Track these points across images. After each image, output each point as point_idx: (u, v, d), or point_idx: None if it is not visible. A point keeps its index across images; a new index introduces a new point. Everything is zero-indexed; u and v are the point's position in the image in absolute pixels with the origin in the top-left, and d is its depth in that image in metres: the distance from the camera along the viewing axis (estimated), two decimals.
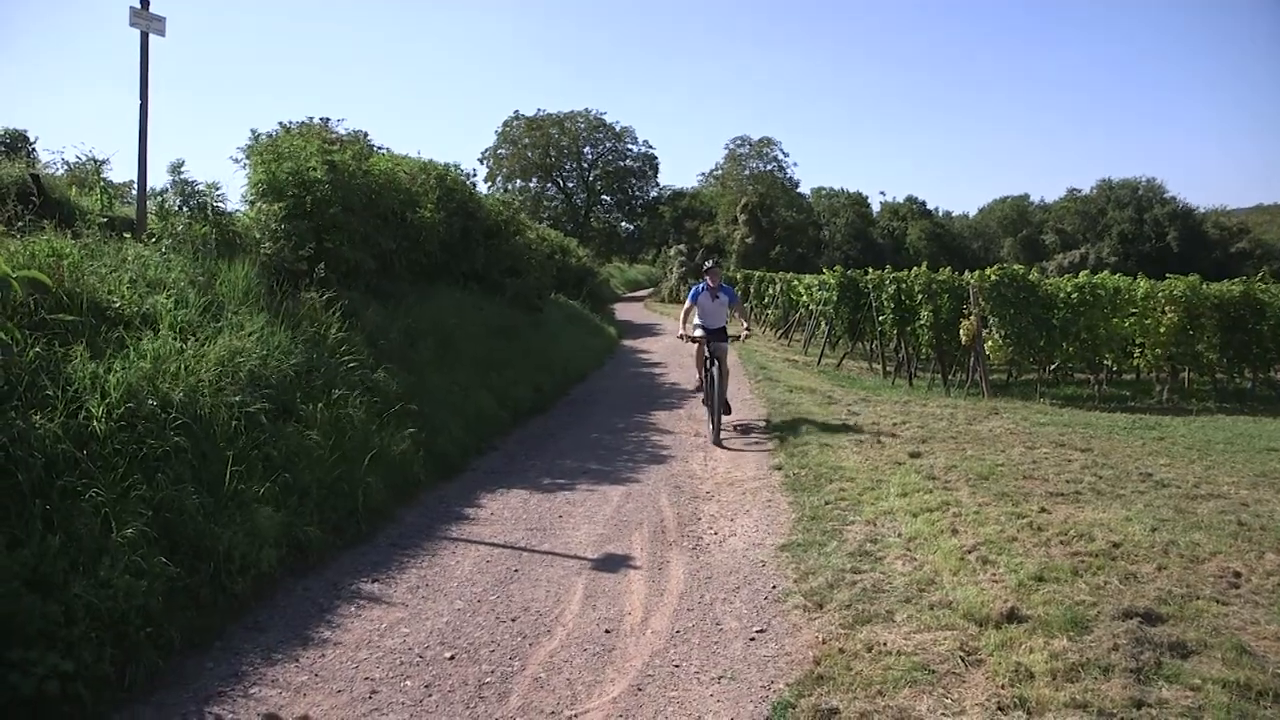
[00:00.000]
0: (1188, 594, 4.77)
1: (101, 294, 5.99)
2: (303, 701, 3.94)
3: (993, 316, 13.95)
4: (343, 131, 12.83)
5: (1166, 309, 13.83)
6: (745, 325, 11.15)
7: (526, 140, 65.93)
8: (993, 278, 13.95)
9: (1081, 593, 4.75)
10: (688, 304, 10.51)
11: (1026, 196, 73.52)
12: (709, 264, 10.67)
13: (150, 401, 5.07)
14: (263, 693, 4.00)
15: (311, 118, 13.67)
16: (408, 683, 4.14)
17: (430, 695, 4.02)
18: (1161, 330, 13.77)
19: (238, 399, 5.79)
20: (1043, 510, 6.41)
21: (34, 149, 12.42)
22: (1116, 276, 15.31)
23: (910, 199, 68.91)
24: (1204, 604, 4.63)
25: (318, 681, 4.14)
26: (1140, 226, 61.72)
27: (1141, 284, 14.51)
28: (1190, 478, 7.62)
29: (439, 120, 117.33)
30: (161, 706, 3.82)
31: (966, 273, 15.39)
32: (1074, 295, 13.98)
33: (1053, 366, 15.27)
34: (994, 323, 13.96)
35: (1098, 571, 5.09)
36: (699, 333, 10.31)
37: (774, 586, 5.25)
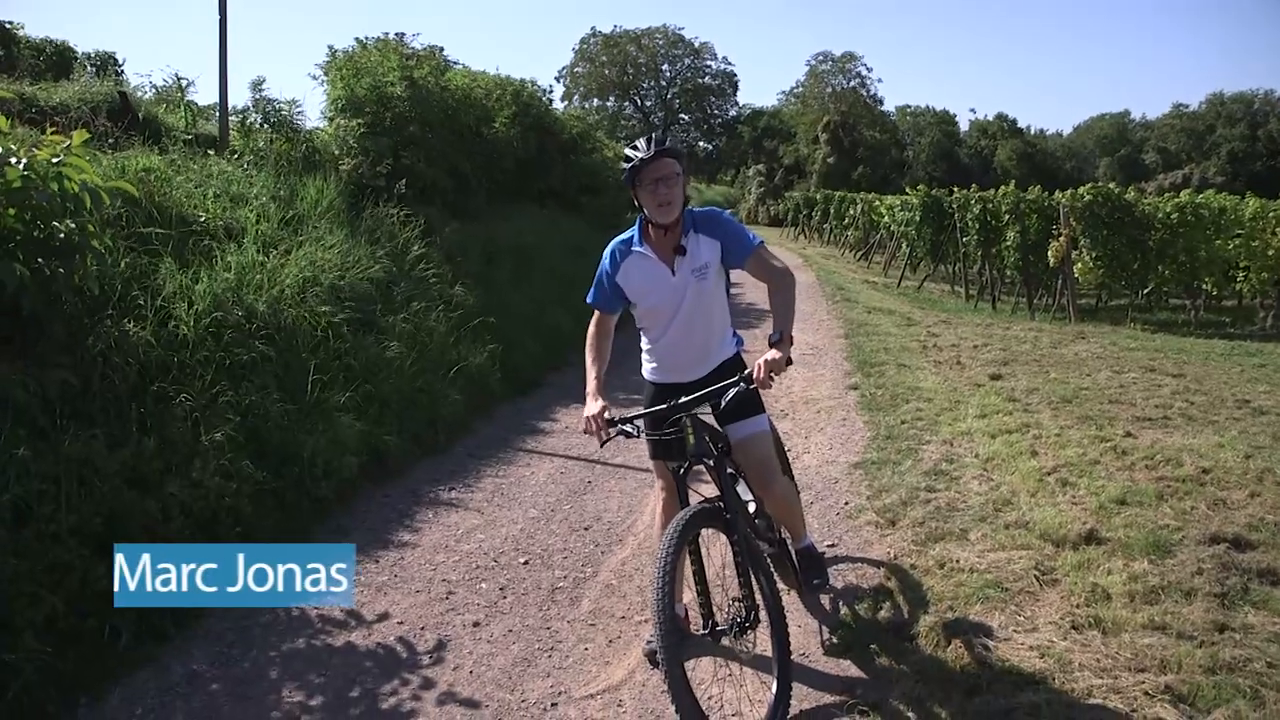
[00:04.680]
0: None
1: (188, 208, 6.14)
2: (383, 600, 4.11)
3: (1084, 238, 13.35)
4: (418, 47, 12.68)
5: (1278, 230, 13.01)
6: (779, 335, 3.21)
7: (604, 58, 65.13)
8: (1085, 197, 13.32)
9: (1166, 517, 4.60)
10: (594, 322, 3.81)
11: (1127, 113, 69.35)
12: (645, 150, 3.23)
13: (236, 311, 5.22)
14: None
15: (387, 33, 13.54)
16: (483, 585, 4.27)
17: (505, 597, 4.15)
18: (1270, 253, 12.95)
19: (324, 309, 5.93)
20: (1128, 435, 6.20)
21: (122, 70, 12.68)
22: (1222, 196, 14.44)
23: (1001, 116, 65.77)
24: None
25: (397, 581, 4.31)
26: (1253, 144, 57.62)
27: (1251, 204, 13.62)
28: None
29: (514, 37, 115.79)
30: None
31: (1057, 192, 14.72)
32: (1174, 215, 13.25)
33: (1146, 290, 14.55)
34: (1085, 244, 13.37)
35: (1184, 497, 4.90)
36: (623, 422, 3.48)
37: (846, 503, 5.22)
